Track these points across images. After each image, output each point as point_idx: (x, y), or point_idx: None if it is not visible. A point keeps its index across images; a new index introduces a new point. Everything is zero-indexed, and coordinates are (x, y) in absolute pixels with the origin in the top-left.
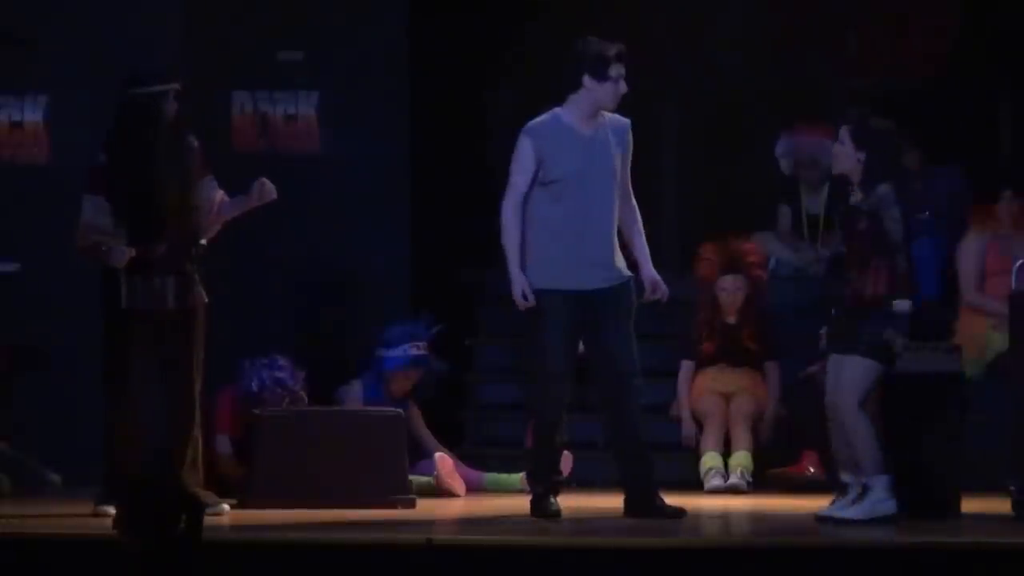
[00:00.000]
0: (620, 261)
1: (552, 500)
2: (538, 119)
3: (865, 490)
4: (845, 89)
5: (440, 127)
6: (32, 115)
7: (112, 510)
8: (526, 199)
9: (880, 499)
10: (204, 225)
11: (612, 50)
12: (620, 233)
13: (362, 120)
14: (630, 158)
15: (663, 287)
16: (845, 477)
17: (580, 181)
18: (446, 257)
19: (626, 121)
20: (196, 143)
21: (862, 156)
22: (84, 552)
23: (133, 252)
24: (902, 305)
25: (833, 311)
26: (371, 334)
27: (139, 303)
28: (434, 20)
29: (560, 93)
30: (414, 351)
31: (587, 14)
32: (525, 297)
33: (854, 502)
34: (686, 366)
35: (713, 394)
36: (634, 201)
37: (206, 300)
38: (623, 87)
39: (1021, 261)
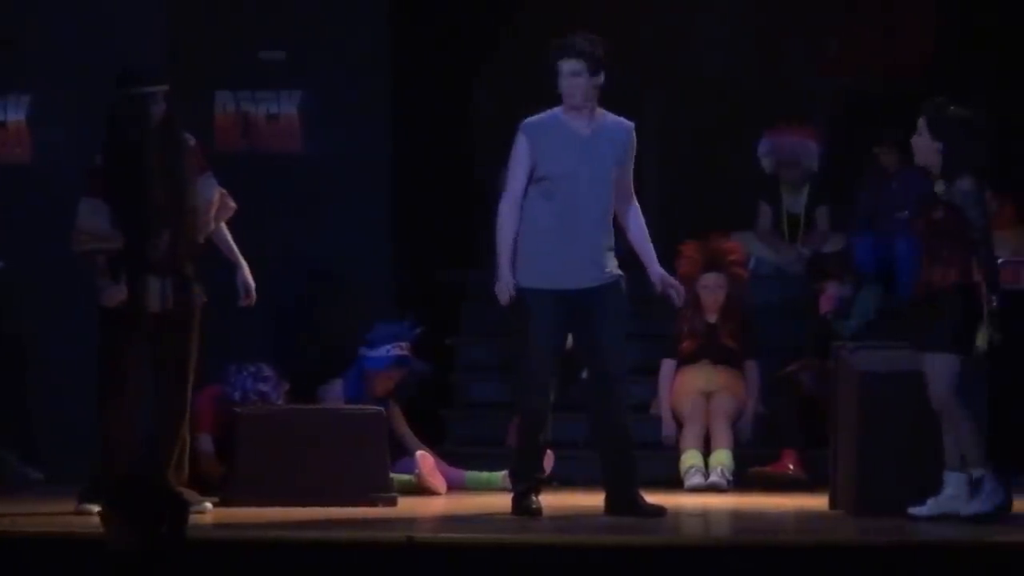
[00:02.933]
0: (611, 261)
1: (533, 498)
2: (536, 116)
3: (978, 484)
4: (827, 89)
5: (422, 126)
6: (15, 115)
7: (95, 508)
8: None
9: (994, 489)
10: (202, 225)
11: (554, 45)
12: (624, 235)
13: (344, 119)
14: (632, 160)
15: (674, 284)
16: (975, 473)
17: (571, 180)
18: (428, 256)
19: (628, 124)
20: (193, 142)
21: (940, 147)
22: (66, 550)
23: (125, 293)
24: (995, 301)
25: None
26: (353, 333)
27: (137, 304)
28: (416, 19)
29: (540, 92)
30: (396, 352)
31: (569, 13)
32: (508, 295)
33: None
34: (667, 364)
35: (693, 392)
36: (636, 203)
37: (204, 300)
38: (573, 83)
39: (1000, 260)
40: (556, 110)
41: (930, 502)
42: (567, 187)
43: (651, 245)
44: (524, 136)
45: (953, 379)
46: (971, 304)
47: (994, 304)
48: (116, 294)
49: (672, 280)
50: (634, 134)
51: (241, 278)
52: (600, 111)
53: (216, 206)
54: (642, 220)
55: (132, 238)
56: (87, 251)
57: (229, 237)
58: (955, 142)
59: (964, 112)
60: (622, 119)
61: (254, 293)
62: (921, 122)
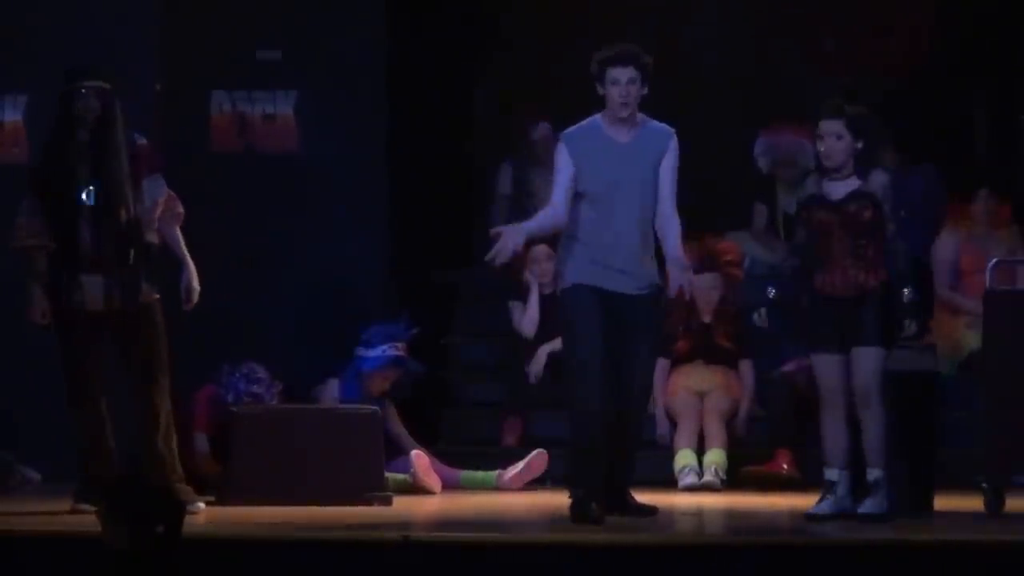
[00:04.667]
0: (652, 270)
1: (593, 505)
2: (577, 125)
3: (876, 484)
4: (822, 89)
5: (418, 126)
6: (11, 115)
7: (91, 507)
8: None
9: (888, 491)
10: (147, 223)
11: (604, 54)
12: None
13: (340, 119)
14: (674, 165)
15: (679, 279)
16: (831, 475)
17: (611, 189)
18: (424, 256)
19: (667, 129)
20: (142, 141)
21: (859, 146)
22: (63, 549)
23: (48, 316)
24: (911, 294)
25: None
26: (349, 333)
27: (78, 303)
28: (412, 19)
29: (537, 91)
30: (392, 352)
31: (564, 14)
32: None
33: (848, 497)
34: (661, 364)
35: (688, 392)
36: (676, 216)
37: (156, 296)
38: (629, 91)
39: (995, 259)
40: (596, 117)
41: (827, 500)
42: (607, 195)
43: (679, 246)
44: (564, 146)
45: (881, 374)
46: (894, 299)
47: (909, 296)
48: (38, 316)
49: (677, 277)
50: (675, 139)
51: (186, 280)
52: (641, 117)
53: (162, 207)
54: (678, 232)
55: (65, 237)
56: (25, 247)
57: (180, 239)
58: (871, 139)
59: (864, 109)
60: (663, 125)
61: (196, 296)
62: (838, 125)
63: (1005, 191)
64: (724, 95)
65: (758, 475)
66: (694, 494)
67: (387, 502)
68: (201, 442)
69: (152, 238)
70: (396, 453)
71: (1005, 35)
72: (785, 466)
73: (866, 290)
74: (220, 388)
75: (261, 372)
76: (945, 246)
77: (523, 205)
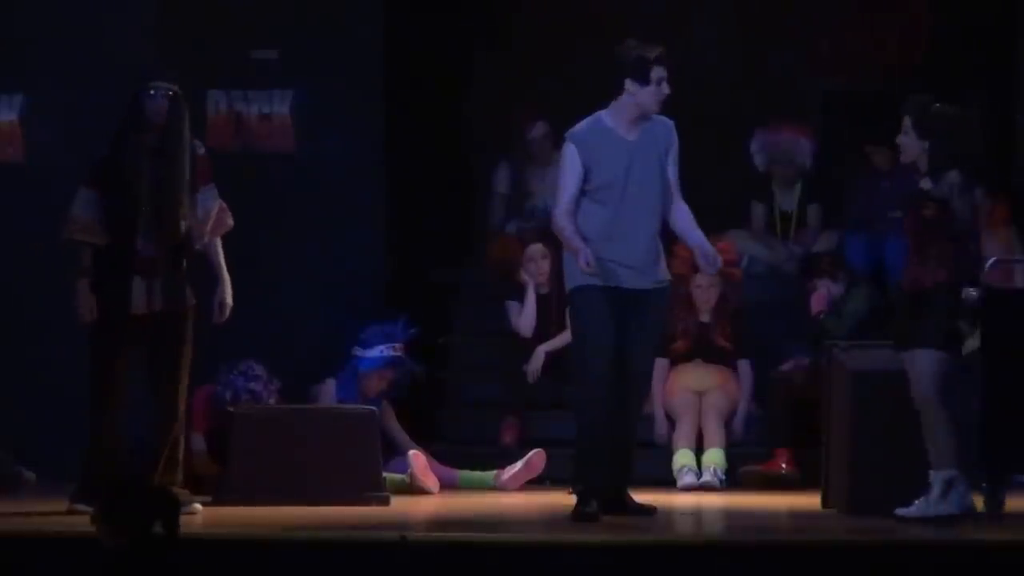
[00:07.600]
0: (662, 264)
1: (592, 503)
2: (580, 124)
3: (949, 485)
4: (818, 89)
5: (414, 126)
6: (7, 114)
7: (87, 508)
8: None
9: (964, 491)
10: (198, 232)
11: (652, 53)
12: (675, 231)
13: (336, 119)
14: (675, 157)
15: (709, 252)
16: (947, 474)
17: (623, 186)
18: (420, 256)
19: (668, 121)
20: (202, 150)
21: (926, 145)
22: (58, 550)
23: (95, 314)
24: (970, 293)
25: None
26: (346, 333)
27: (123, 305)
28: (409, 18)
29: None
30: (390, 352)
31: (562, 14)
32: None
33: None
34: (660, 363)
35: (686, 392)
36: (683, 202)
37: (194, 302)
38: (665, 89)
39: (992, 260)
40: (600, 115)
41: (917, 503)
42: (618, 193)
43: (699, 232)
44: (573, 145)
45: (938, 377)
46: (958, 301)
47: (973, 295)
48: (86, 314)
49: (709, 249)
50: (675, 131)
51: (220, 295)
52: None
53: (213, 219)
54: (690, 215)
55: (119, 236)
56: (74, 240)
57: (221, 252)
58: (941, 139)
59: (949, 109)
60: (662, 117)
61: (228, 312)
62: (906, 121)
63: (1001, 191)
64: (721, 94)
65: (757, 475)
66: (693, 494)
67: (385, 502)
68: (198, 442)
69: (197, 246)
70: (394, 453)
71: (1000, 34)
72: (784, 465)
73: (922, 290)
74: (218, 387)
75: (259, 370)
76: None
77: (520, 204)
